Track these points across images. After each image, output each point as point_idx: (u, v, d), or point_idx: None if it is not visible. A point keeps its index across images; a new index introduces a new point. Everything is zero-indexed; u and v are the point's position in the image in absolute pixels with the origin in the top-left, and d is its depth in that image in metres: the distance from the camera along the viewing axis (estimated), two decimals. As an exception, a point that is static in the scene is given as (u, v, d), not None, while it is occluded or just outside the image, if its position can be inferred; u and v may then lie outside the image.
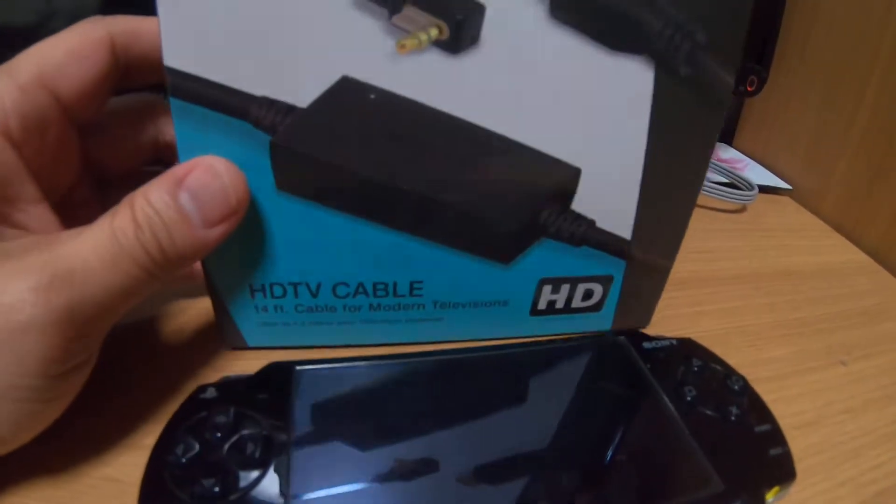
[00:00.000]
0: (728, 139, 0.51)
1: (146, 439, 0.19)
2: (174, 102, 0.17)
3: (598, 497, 0.17)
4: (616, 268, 0.23)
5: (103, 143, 0.21)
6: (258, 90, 0.17)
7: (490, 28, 0.17)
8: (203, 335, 0.23)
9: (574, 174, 0.20)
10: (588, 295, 0.23)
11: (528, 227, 0.21)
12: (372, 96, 0.17)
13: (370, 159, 0.19)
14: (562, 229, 0.21)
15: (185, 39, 0.16)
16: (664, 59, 0.18)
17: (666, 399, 0.20)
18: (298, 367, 0.20)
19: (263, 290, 0.21)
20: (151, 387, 0.21)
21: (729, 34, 0.19)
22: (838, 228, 0.39)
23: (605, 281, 0.23)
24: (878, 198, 0.37)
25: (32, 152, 0.18)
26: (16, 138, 0.17)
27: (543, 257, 0.21)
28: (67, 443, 0.18)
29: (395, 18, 0.17)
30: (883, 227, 0.37)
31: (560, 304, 0.23)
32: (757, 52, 0.41)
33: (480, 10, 0.17)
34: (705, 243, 0.34)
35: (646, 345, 0.22)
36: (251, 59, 0.16)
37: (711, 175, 0.41)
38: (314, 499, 0.16)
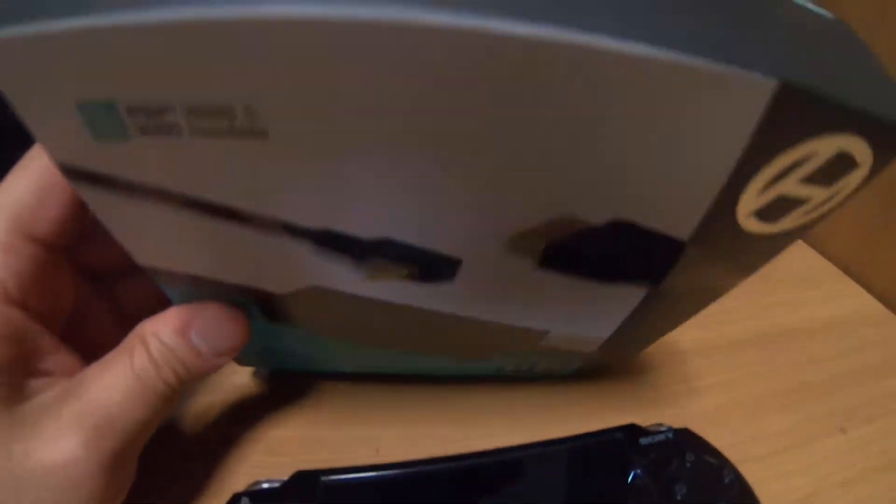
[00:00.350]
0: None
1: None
2: (162, 286, 0.18)
3: None
4: (578, 360, 0.26)
5: (90, 248, 0.21)
6: (233, 280, 0.18)
7: (468, 270, 0.17)
8: (226, 429, 0.26)
9: (540, 334, 0.22)
10: (550, 368, 0.27)
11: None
12: (344, 297, 0.18)
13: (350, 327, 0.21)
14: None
15: (147, 249, 0.16)
16: (661, 282, 0.18)
17: (657, 499, 0.21)
18: (323, 478, 0.22)
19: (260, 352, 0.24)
20: (181, 489, 0.23)
21: (746, 265, 0.18)
22: (848, 271, 0.40)
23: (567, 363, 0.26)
24: (890, 238, 0.37)
25: (35, 303, 0.18)
26: (17, 299, 0.18)
27: (504, 361, 0.25)
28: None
29: (361, 265, 0.16)
30: (894, 270, 0.37)
31: (524, 369, 0.27)
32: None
33: (453, 263, 0.16)
34: (709, 307, 0.36)
35: (642, 441, 0.23)
36: (216, 268, 0.17)
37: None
38: None
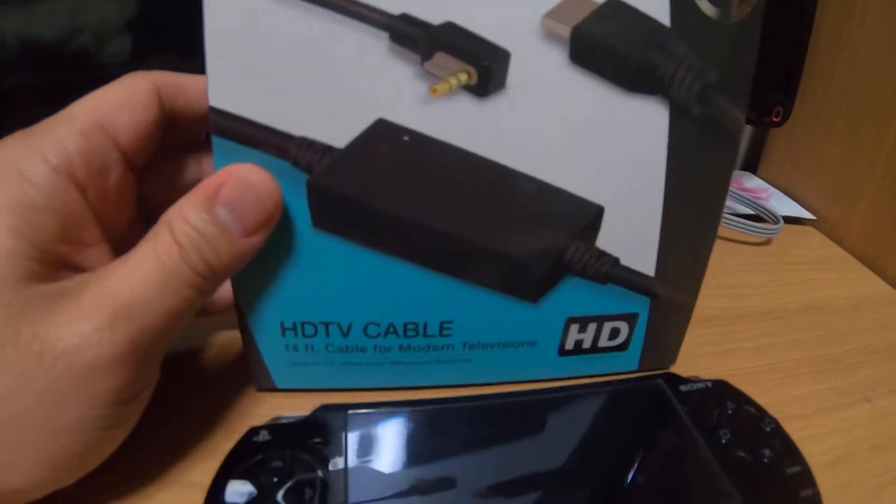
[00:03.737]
0: (753, 168, 0.52)
1: (192, 475, 0.20)
2: (216, 141, 0.18)
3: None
4: (641, 305, 0.24)
5: (152, 184, 0.21)
6: (297, 130, 0.18)
7: (515, 72, 0.19)
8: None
9: (597, 212, 0.21)
10: (614, 334, 0.24)
11: (555, 266, 0.22)
12: (406, 138, 0.19)
13: (403, 199, 0.20)
14: (587, 267, 0.22)
15: (230, 81, 0.17)
16: (677, 99, 0.20)
17: (703, 442, 0.21)
18: (351, 412, 0.21)
19: (295, 328, 0.22)
20: (198, 422, 0.22)
21: (737, 73, 0.20)
22: (863, 259, 0.40)
23: (631, 319, 0.24)
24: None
25: (95, 195, 0.18)
26: (80, 181, 0.17)
27: (570, 296, 0.23)
28: (113, 481, 0.19)
29: (427, 64, 0.18)
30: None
31: (587, 344, 0.24)
32: (782, 84, 0.43)
33: (505, 55, 0.18)
34: (732, 278, 0.35)
35: (682, 388, 0.23)
36: (291, 100, 0.18)
37: (737, 207, 0.42)
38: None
